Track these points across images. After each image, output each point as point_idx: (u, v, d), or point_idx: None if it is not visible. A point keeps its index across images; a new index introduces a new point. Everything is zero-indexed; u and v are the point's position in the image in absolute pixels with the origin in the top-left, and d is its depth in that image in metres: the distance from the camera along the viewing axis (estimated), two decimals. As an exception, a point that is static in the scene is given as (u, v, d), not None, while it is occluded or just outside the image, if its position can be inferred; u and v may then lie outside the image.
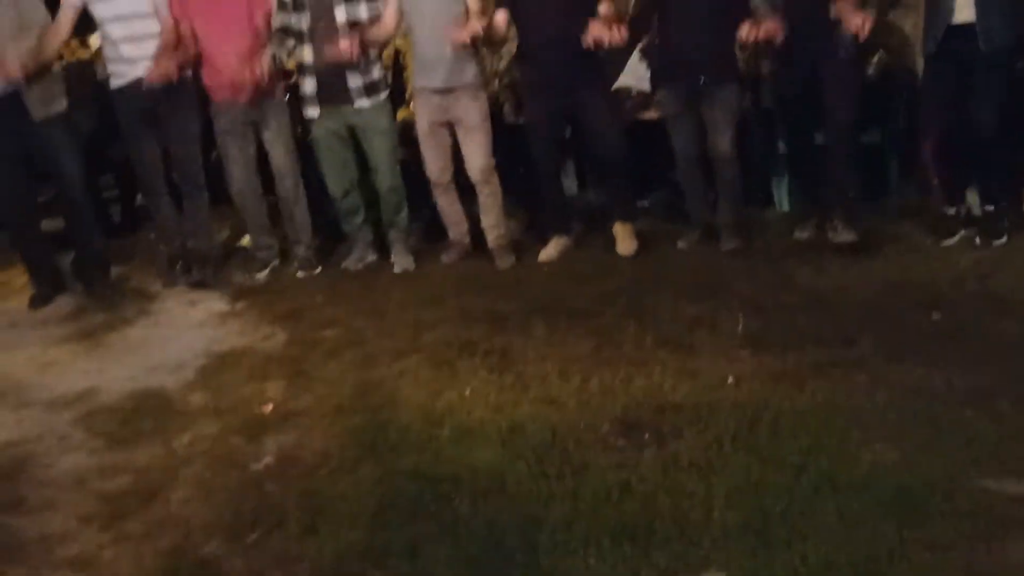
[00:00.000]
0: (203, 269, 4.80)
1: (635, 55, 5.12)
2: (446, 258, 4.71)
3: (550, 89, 4.37)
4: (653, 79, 4.80)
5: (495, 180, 4.53)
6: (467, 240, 4.75)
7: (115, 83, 4.53)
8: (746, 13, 4.07)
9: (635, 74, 5.17)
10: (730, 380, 3.07)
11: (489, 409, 3.07)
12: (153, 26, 4.43)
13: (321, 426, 3.11)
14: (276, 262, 4.89)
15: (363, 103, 4.46)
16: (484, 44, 4.55)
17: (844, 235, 4.25)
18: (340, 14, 4.33)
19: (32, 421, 3.43)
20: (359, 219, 4.79)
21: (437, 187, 4.62)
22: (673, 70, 4.36)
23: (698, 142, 4.41)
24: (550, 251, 4.60)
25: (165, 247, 4.94)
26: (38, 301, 4.73)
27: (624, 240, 4.57)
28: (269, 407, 3.30)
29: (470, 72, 4.38)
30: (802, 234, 4.48)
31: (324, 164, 4.66)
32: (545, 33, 4.26)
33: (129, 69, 4.45)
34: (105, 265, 4.86)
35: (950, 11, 3.90)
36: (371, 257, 4.83)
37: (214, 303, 4.56)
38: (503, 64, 5.35)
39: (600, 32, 4.03)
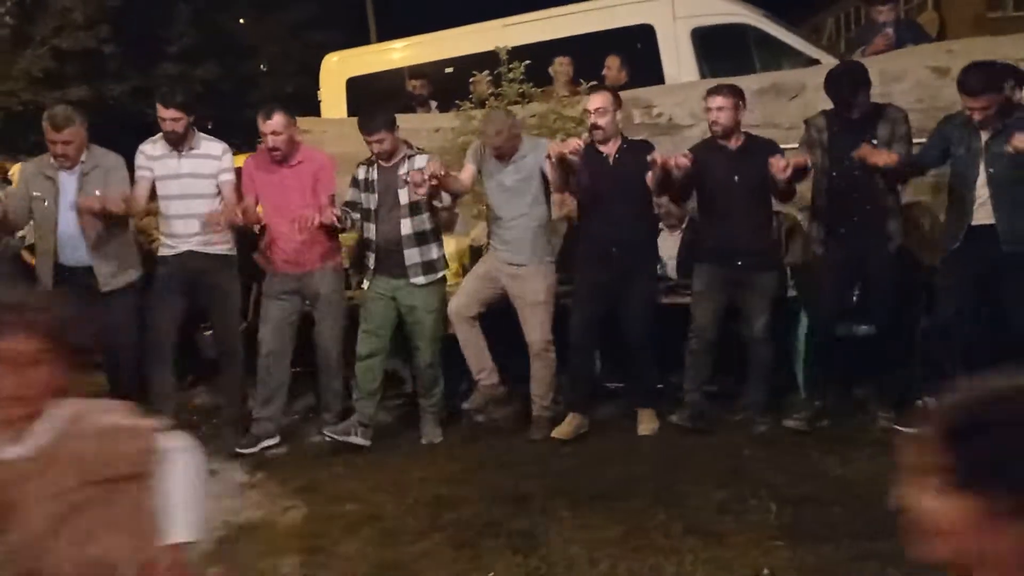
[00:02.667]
0: (230, 437, 4.78)
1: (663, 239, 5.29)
2: (469, 403, 4.65)
3: (603, 263, 4.52)
4: (690, 258, 4.88)
5: (550, 354, 4.62)
6: (493, 382, 4.72)
7: (162, 252, 4.74)
8: (784, 197, 4.34)
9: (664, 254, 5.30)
10: (765, 572, 2.98)
11: (514, 594, 2.97)
12: (207, 206, 4.66)
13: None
14: (273, 441, 4.74)
15: (419, 280, 4.61)
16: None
17: (887, 422, 4.28)
18: (403, 196, 4.58)
19: (40, 590, 3.32)
20: (372, 386, 4.65)
21: (456, 317, 4.67)
22: (712, 251, 4.50)
23: (717, 325, 4.48)
24: (565, 428, 4.55)
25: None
26: None
27: (645, 422, 4.59)
28: (285, 584, 3.21)
29: (542, 252, 4.62)
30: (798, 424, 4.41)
31: (363, 322, 4.73)
32: (608, 210, 4.47)
33: (178, 243, 4.68)
34: None
35: (968, 212, 4.07)
36: (356, 437, 4.56)
37: (233, 473, 4.51)
38: None
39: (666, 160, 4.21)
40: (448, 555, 3.32)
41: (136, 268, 4.77)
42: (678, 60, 6.86)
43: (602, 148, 4.56)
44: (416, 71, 7.81)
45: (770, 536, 3.27)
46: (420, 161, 4.62)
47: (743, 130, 4.51)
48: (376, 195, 4.65)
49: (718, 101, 4.37)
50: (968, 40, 5.77)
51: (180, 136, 4.66)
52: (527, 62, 5.77)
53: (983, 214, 4.04)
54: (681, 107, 5.77)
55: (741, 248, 4.38)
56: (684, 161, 4.19)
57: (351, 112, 7.88)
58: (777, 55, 6.83)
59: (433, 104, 7.41)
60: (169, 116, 4.61)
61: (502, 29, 7.48)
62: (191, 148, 4.71)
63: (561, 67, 6.59)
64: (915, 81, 5.20)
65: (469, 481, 4.06)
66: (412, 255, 4.60)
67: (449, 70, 7.70)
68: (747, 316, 4.47)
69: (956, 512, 1.03)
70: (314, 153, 4.88)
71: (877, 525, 3.28)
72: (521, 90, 5.73)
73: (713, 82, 4.85)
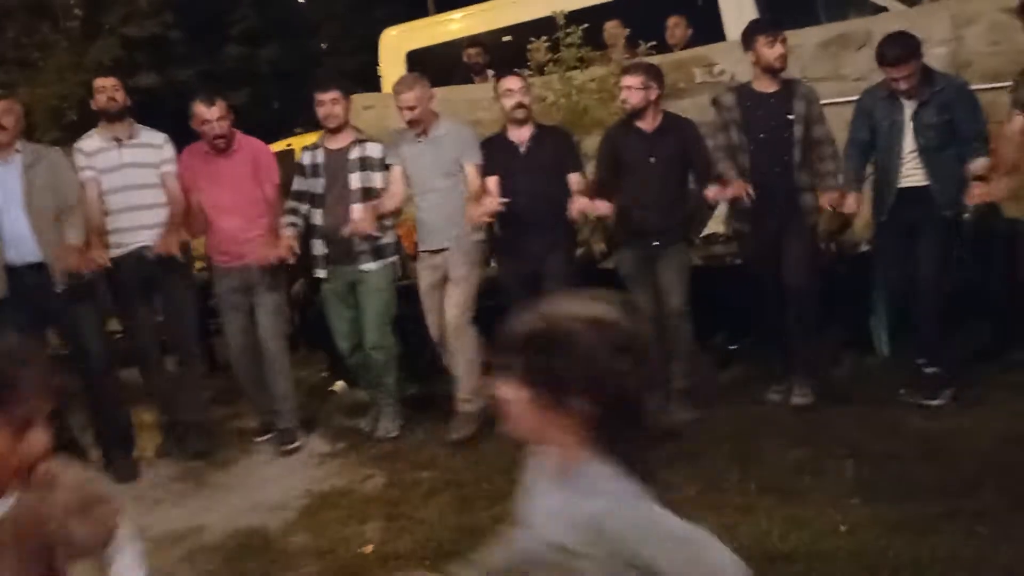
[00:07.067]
0: (199, 440, 4.61)
1: None
2: (455, 434, 4.34)
3: (520, 253, 4.40)
4: (612, 242, 4.82)
5: (466, 338, 4.38)
6: (479, 408, 4.43)
7: (113, 253, 4.37)
8: (704, 179, 4.21)
9: None
10: (842, 528, 2.96)
11: (592, 555, 3.01)
12: (153, 197, 4.46)
13: (421, 569, 3.09)
14: (295, 445, 4.59)
15: (369, 266, 4.46)
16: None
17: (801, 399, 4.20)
18: (355, 181, 4.43)
19: (140, 558, 3.49)
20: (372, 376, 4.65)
21: (440, 347, 4.55)
22: (630, 234, 4.39)
23: (658, 302, 4.33)
24: None
25: (162, 416, 4.82)
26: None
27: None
28: (369, 549, 3.31)
29: (462, 231, 4.38)
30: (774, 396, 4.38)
31: (332, 322, 4.63)
32: (520, 200, 4.29)
33: (128, 238, 4.42)
34: (129, 441, 4.56)
35: (894, 182, 4.11)
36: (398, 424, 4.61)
37: (314, 444, 4.66)
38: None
39: (585, 206, 4.13)
40: (525, 519, 3.38)
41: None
42: (740, 15, 6.68)
43: (512, 137, 4.38)
44: (474, 41, 7.78)
45: (848, 493, 3.24)
46: (372, 149, 4.47)
47: (662, 108, 4.35)
48: (323, 180, 4.49)
49: (627, 80, 4.29)
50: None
51: (119, 108, 4.43)
52: (585, 26, 5.70)
53: (911, 178, 4.08)
54: (744, 64, 5.59)
55: (656, 228, 4.27)
56: (604, 209, 4.13)
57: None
58: (843, 5, 6.60)
59: (490, 73, 7.38)
60: (110, 84, 4.44)
61: (559, -7, 7.38)
62: (131, 137, 4.47)
63: (614, 30, 6.49)
64: (989, 24, 4.98)
65: (543, 446, 4.11)
66: (362, 242, 4.42)
67: (507, 38, 7.66)
68: (664, 291, 4.28)
69: (521, 401, 1.34)
70: (248, 139, 4.63)
71: (963, 482, 3.23)
72: (580, 55, 5.68)
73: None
